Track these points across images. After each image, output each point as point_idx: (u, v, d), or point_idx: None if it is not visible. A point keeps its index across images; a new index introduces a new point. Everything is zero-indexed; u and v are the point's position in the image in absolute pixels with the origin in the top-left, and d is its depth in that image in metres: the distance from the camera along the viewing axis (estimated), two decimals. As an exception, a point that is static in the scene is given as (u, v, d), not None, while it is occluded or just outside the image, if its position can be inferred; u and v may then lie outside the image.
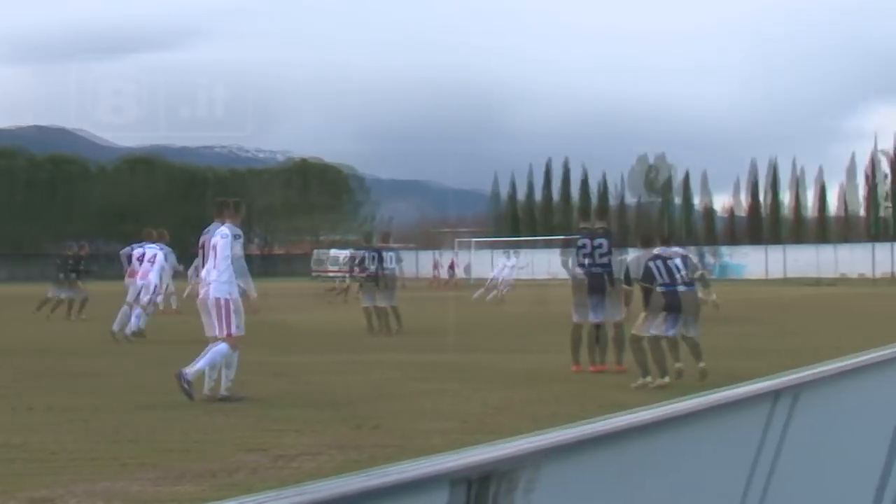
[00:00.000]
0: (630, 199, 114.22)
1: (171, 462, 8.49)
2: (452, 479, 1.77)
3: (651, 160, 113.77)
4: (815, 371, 3.34)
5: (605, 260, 15.18)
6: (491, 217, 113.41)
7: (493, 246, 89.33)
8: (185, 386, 11.78)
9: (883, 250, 77.50)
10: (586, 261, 15.22)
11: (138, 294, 21.75)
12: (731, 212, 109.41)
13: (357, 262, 24.82)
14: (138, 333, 21.31)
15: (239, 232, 12.64)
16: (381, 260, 23.47)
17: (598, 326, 15.15)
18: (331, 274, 67.30)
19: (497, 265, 44.87)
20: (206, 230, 13.18)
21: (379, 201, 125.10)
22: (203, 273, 12.92)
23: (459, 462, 1.79)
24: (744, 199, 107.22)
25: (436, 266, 70.18)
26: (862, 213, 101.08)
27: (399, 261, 24.68)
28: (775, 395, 3.08)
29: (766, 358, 16.02)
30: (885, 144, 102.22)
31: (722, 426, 2.82)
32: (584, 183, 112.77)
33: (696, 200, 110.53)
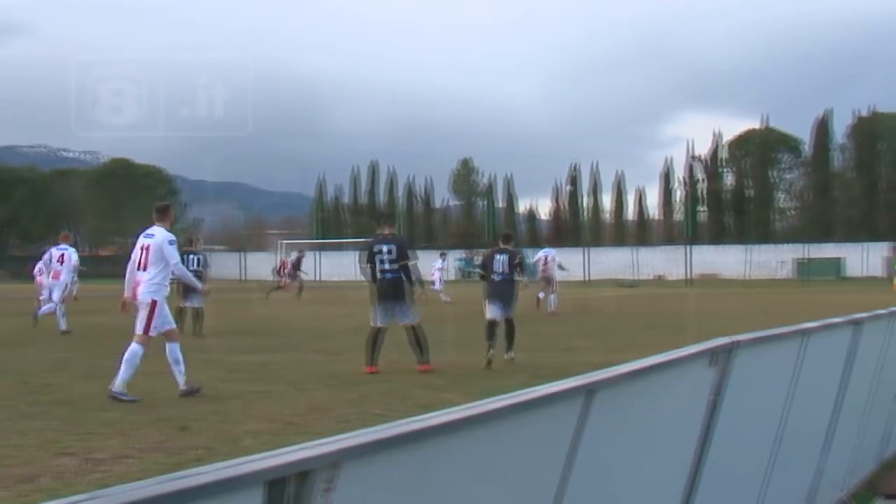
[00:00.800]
0: (452, 202, 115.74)
1: (-25, 467, 8.23)
2: (254, 481, 1.78)
3: (469, 162, 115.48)
4: (618, 369, 3.42)
5: (395, 266, 15.49)
6: (313, 219, 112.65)
7: (311, 248, 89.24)
8: (121, 397, 12.01)
9: (697, 252, 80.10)
10: (380, 266, 15.50)
11: (63, 291, 24.01)
12: (551, 214, 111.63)
13: None
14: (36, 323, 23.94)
15: (173, 237, 13.09)
16: (197, 263, 23.40)
17: (412, 328, 15.45)
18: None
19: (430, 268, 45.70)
20: (144, 233, 13.29)
21: (191, 203, 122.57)
22: (136, 274, 13.03)
23: (263, 464, 1.81)
24: (562, 202, 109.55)
25: (284, 266, 69.25)
26: (676, 216, 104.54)
27: (205, 264, 24.44)
28: (587, 392, 3.16)
29: (574, 356, 16.48)
30: (699, 150, 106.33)
31: (531, 424, 2.86)
32: (409, 185, 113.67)
33: (514, 203, 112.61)
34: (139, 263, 12.98)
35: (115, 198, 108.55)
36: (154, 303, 12.76)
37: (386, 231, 16.13)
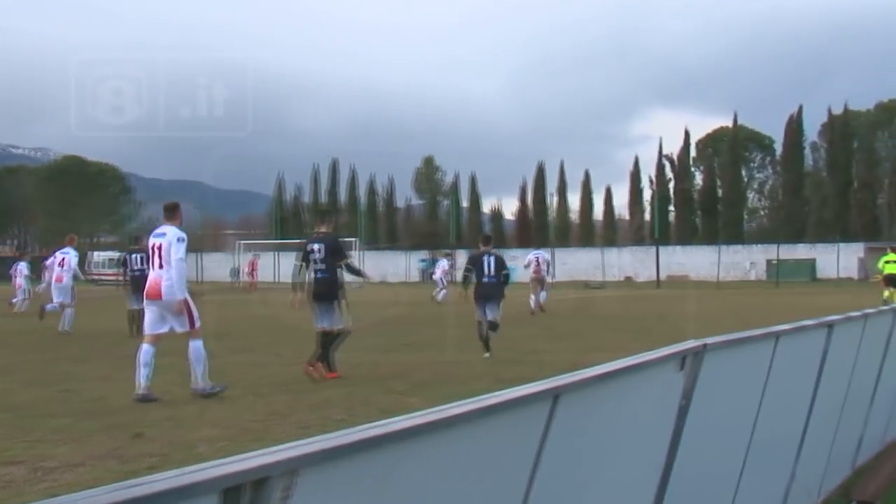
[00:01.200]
0: (415, 201, 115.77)
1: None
2: (209, 489, 1.75)
3: (433, 161, 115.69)
4: (585, 373, 3.38)
5: (323, 266, 15.13)
6: (273, 219, 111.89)
7: (270, 248, 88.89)
8: (209, 392, 12.68)
9: (667, 253, 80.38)
10: (313, 266, 15.20)
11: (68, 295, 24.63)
12: (517, 214, 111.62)
13: (120, 263, 25.18)
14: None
15: (184, 235, 13.25)
16: (141, 261, 23.08)
17: (326, 333, 15.05)
18: (107, 277, 65.44)
19: (438, 268, 47.34)
20: (154, 233, 13.55)
21: (144, 201, 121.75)
22: (153, 274, 13.31)
23: (219, 471, 1.77)
24: (528, 201, 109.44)
25: (252, 267, 69.19)
26: (645, 216, 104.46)
27: None
28: (553, 396, 3.11)
29: (539, 359, 16.42)
30: (668, 148, 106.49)
31: (496, 429, 2.82)
32: (370, 184, 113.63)
33: (479, 203, 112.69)
34: (154, 263, 13.23)
35: (67, 196, 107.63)
36: (183, 300, 13.04)
37: (322, 229, 15.87)
